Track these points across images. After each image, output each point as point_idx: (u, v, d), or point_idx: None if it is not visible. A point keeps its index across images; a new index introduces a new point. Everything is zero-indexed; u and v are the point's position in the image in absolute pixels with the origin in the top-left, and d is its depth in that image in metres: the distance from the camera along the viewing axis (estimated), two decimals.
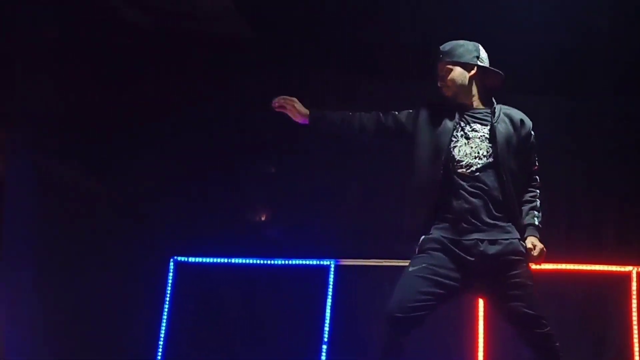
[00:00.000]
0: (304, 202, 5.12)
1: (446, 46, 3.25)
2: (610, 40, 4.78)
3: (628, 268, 4.78)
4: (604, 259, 4.84)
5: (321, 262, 4.93)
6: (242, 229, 5.17)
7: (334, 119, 3.31)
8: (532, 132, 3.28)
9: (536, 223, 3.23)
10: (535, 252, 3.11)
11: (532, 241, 3.13)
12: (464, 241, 2.96)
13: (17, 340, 4.09)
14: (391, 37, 4.95)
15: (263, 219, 5.33)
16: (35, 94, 4.35)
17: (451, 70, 3.21)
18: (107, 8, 4.77)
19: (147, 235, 4.99)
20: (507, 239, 3.00)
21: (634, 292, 4.75)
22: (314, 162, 5.14)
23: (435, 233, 3.03)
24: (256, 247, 5.01)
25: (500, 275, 2.94)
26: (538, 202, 3.31)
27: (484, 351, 4.68)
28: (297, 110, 3.25)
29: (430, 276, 2.93)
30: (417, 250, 3.07)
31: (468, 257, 2.94)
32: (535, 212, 3.26)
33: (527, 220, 3.23)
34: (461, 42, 3.28)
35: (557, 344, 2.97)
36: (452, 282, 2.96)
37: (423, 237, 3.05)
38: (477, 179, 3.07)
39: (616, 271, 4.82)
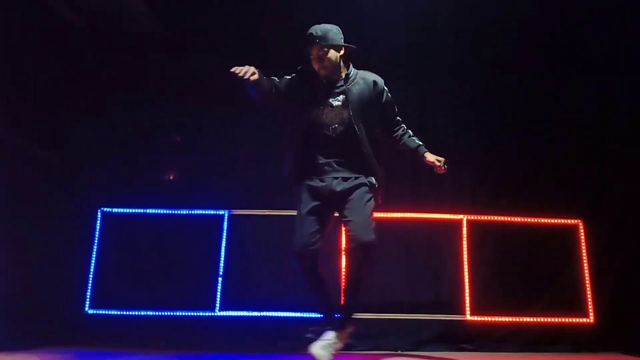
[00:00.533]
0: (205, 164, 5.37)
1: (318, 31, 3.48)
2: (448, 33, 5.16)
3: (460, 216, 5.28)
4: (442, 209, 5.28)
5: (217, 212, 5.26)
6: (156, 185, 5.38)
7: (266, 84, 3.49)
8: (386, 88, 3.67)
9: (421, 143, 3.71)
10: (439, 162, 3.58)
11: (433, 156, 3.65)
12: (324, 179, 3.50)
13: None
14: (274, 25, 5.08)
15: (172, 178, 5.46)
16: None
17: (327, 52, 3.49)
18: (46, 9, 4.94)
19: (78, 191, 5.21)
20: (355, 176, 3.50)
21: (464, 236, 5.24)
22: (211, 132, 5.42)
23: (306, 178, 3.54)
24: (167, 200, 5.28)
25: (345, 197, 3.45)
26: (411, 132, 3.79)
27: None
28: (253, 73, 3.37)
29: (311, 211, 3.46)
30: (298, 195, 3.56)
31: (324, 190, 3.47)
32: (414, 138, 3.75)
33: (412, 144, 3.73)
34: (328, 26, 3.55)
35: (372, 255, 3.33)
36: (324, 210, 3.49)
37: (302, 183, 3.54)
38: (339, 137, 3.51)
39: (450, 219, 5.28)
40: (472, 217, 5.32)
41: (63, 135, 5.22)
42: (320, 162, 3.53)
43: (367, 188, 3.50)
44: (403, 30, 4.99)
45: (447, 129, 5.47)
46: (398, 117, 3.84)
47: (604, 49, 5.30)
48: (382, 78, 3.70)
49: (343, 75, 3.60)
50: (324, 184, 3.49)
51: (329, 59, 3.50)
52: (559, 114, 5.51)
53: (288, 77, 3.65)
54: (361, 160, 3.53)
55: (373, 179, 3.55)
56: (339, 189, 3.46)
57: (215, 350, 4.64)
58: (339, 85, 3.59)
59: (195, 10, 5.08)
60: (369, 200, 3.47)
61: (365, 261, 3.34)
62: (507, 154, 5.45)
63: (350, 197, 3.46)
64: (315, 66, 3.56)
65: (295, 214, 3.57)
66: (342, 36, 3.64)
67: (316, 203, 3.48)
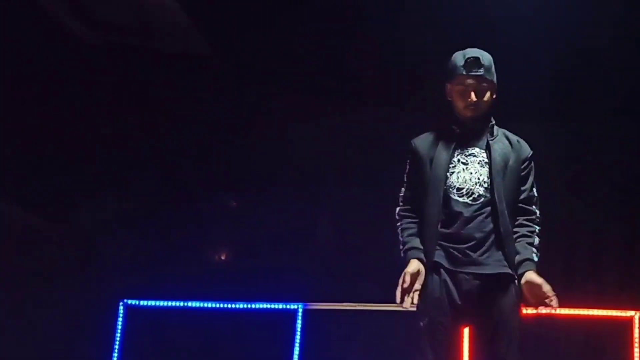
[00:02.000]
0: (269, 240, 4.86)
1: (485, 58, 2.90)
2: (609, 61, 4.76)
3: (630, 313, 4.65)
4: (604, 304, 4.69)
5: (288, 306, 4.72)
6: (199, 269, 4.88)
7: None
8: (531, 158, 3.03)
9: (535, 259, 2.88)
10: (543, 288, 2.69)
11: (531, 277, 2.78)
12: (458, 273, 2.73)
13: None
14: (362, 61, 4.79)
15: (223, 258, 5.00)
16: None
17: (488, 90, 2.87)
18: (52, 23, 4.55)
19: (95, 276, 4.76)
20: (502, 274, 2.72)
21: (637, 339, 4.58)
22: (279, 196, 4.88)
23: (434, 262, 2.81)
24: (215, 290, 4.76)
25: (487, 311, 2.71)
26: (537, 240, 2.99)
27: None
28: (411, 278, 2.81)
29: (438, 328, 2.72)
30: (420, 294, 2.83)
31: (461, 290, 2.72)
32: (534, 249, 2.93)
33: (524, 255, 2.88)
34: (487, 54, 2.94)
35: None
36: (452, 318, 2.75)
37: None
38: (476, 207, 2.82)
39: (617, 316, 4.69)
40: None
41: (75, 206, 4.83)
42: (454, 239, 2.85)
43: (518, 312, 2.85)
44: (554, 60, 4.67)
45: (608, 189, 5.00)
46: (536, 208, 3.12)
47: None
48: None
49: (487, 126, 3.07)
50: (463, 291, 2.79)
51: (488, 99, 2.89)
52: None
53: (409, 170, 3.05)
54: (502, 246, 2.84)
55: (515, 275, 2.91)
56: (479, 296, 2.77)
57: None
58: (481, 138, 2.98)
59: (256, 28, 4.67)
60: (519, 323, 2.85)
61: None
62: None
63: (497, 319, 2.76)
64: (461, 101, 2.90)
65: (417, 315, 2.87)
66: None
67: (452, 309, 2.78)
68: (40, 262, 4.66)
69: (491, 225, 2.85)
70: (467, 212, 2.84)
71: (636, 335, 4.60)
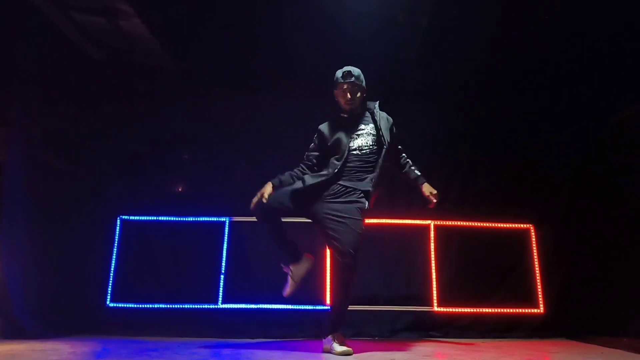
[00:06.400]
0: (209, 177, 5.73)
1: (355, 71, 3.85)
2: (417, 63, 5.54)
3: (428, 222, 5.65)
4: (412, 216, 5.61)
5: (220, 219, 5.63)
6: (167, 196, 5.76)
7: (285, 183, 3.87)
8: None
9: (420, 174, 4.00)
10: (433, 198, 3.84)
11: (429, 189, 3.90)
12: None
13: (13, 278, 4.49)
14: (282, 58, 5.55)
15: (180, 189, 5.82)
16: (24, 104, 4.76)
17: (358, 91, 3.87)
18: (74, 46, 5.36)
19: (101, 201, 5.61)
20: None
21: (432, 238, 5.64)
22: (214, 149, 5.82)
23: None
24: (177, 209, 5.67)
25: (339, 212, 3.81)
26: (410, 162, 4.14)
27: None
28: (266, 193, 3.76)
29: None
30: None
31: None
32: (414, 168, 4.06)
33: (413, 175, 4.00)
34: (357, 69, 3.93)
35: (351, 275, 3.70)
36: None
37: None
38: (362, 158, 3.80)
39: (420, 224, 5.67)
40: (439, 222, 5.68)
41: (87, 154, 5.60)
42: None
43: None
44: (380, 61, 5.32)
45: (415, 148, 5.37)
46: (402, 150, 4.23)
47: (550, 71, 5.87)
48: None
49: (359, 110, 4.00)
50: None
51: (359, 97, 3.94)
52: (514, 132, 5.99)
53: (315, 142, 4.07)
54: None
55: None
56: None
57: (218, 338, 5.01)
58: (361, 118, 3.98)
59: (198, 46, 5.61)
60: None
61: (347, 276, 3.83)
62: (468, 168, 5.89)
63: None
64: (342, 99, 3.92)
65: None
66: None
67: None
68: (62, 190, 5.15)
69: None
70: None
71: (432, 237, 5.58)
